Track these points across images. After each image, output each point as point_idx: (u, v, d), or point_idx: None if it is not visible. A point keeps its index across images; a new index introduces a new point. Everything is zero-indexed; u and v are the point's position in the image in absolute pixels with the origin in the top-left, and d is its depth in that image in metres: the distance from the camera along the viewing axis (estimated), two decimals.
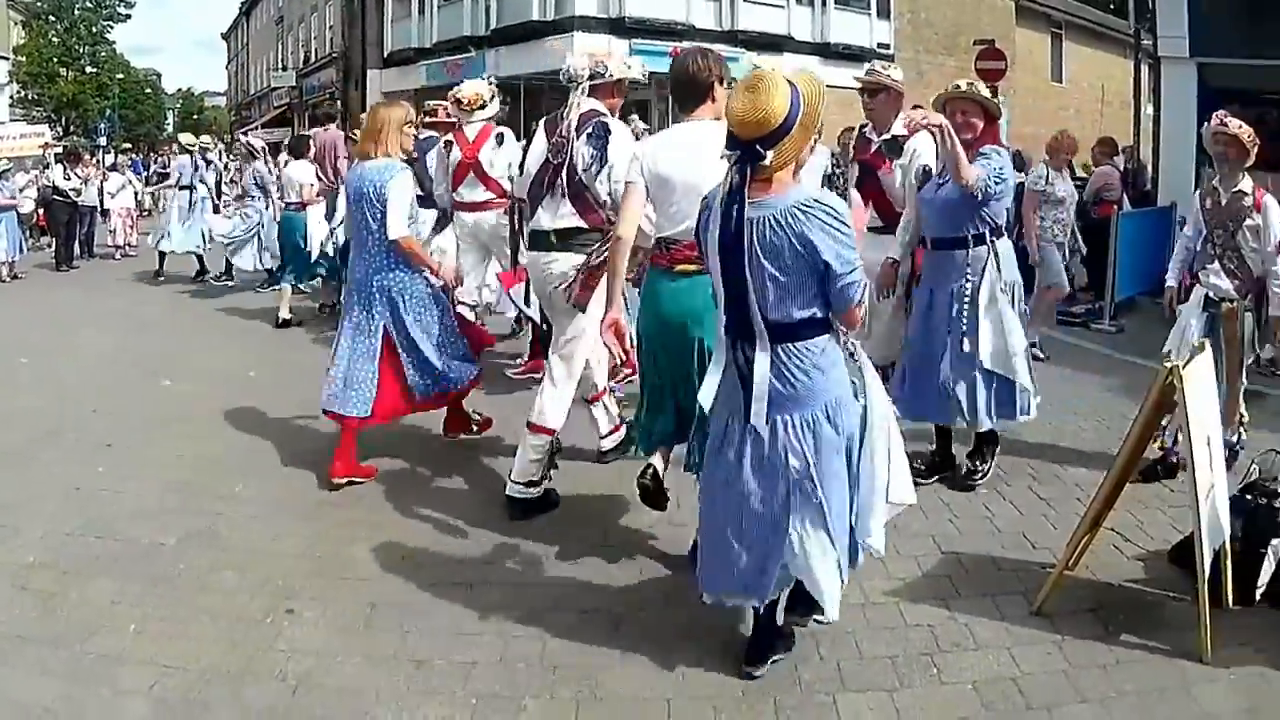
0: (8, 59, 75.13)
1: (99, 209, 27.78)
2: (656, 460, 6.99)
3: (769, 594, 5.66)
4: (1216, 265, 9.20)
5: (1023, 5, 58.27)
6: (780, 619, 5.96)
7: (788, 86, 5.13)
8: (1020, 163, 20.70)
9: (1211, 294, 9.18)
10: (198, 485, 9.03)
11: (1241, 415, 9.07)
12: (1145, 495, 8.51)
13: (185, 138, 27.73)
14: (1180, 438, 7.26)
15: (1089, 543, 6.92)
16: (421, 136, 12.49)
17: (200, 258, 22.81)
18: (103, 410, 11.52)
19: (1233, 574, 6.55)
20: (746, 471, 5.49)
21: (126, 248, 27.54)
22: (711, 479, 5.81)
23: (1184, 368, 6.14)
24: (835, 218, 5.13)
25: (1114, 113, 54.89)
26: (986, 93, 8.94)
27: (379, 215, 8.70)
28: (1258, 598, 6.62)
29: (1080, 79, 62.58)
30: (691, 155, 6.55)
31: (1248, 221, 8.97)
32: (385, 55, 54.45)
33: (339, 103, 58.92)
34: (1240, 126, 8.95)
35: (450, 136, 12.45)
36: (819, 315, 5.34)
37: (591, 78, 8.43)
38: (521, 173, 9.26)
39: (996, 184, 8.26)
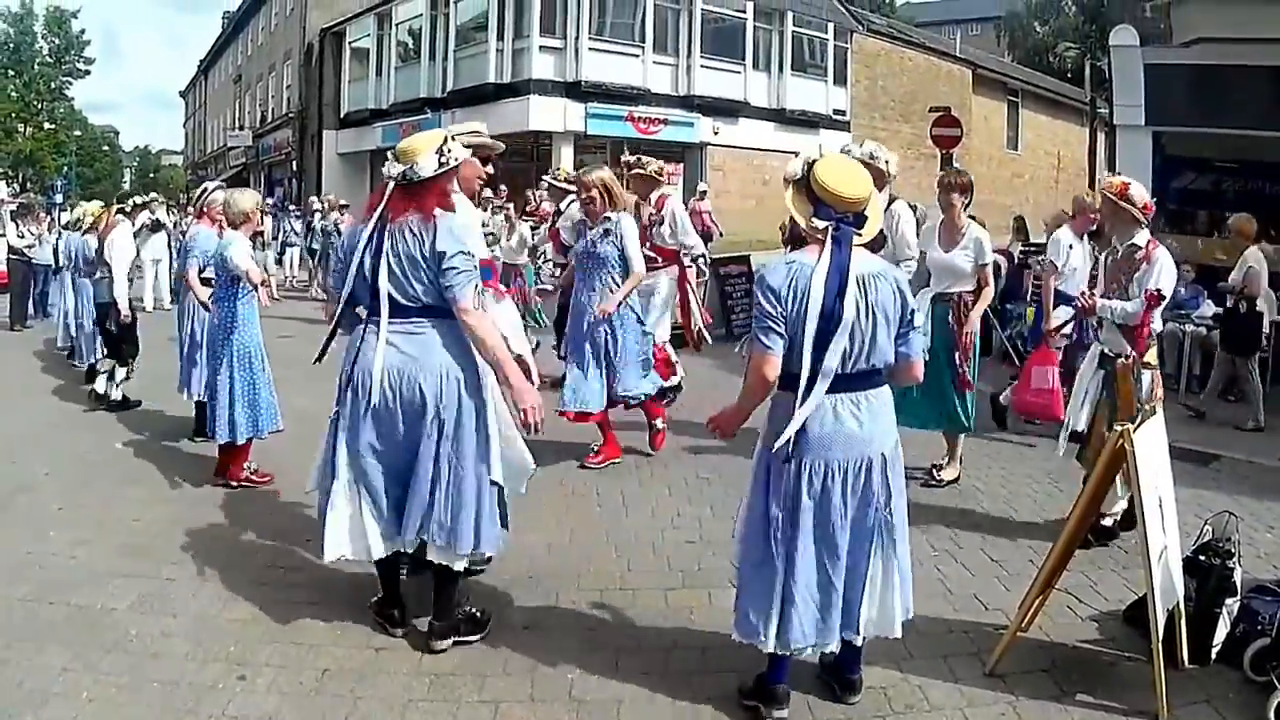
0: None
1: (54, 268, 27.54)
2: None
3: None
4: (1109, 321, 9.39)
5: (980, 73, 58.87)
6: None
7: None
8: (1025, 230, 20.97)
9: (1107, 349, 9.34)
10: (150, 550, 8.96)
11: None
12: (1098, 556, 8.57)
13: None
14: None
15: (1042, 604, 6.93)
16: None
17: None
18: (54, 473, 11.42)
19: (1187, 634, 6.57)
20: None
21: None
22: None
23: (1135, 430, 6.19)
24: (905, 282, 5.97)
25: (1069, 180, 55.33)
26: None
27: None
28: (1212, 657, 6.66)
29: (1036, 146, 63.17)
30: None
31: (1137, 273, 9.09)
32: (341, 116, 54.61)
33: (294, 163, 59.00)
34: (1111, 181, 9.60)
35: None
36: (883, 365, 5.93)
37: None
38: None
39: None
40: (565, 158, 38.31)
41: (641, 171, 13.03)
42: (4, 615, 7.52)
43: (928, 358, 10.25)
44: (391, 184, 6.81)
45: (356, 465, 6.96)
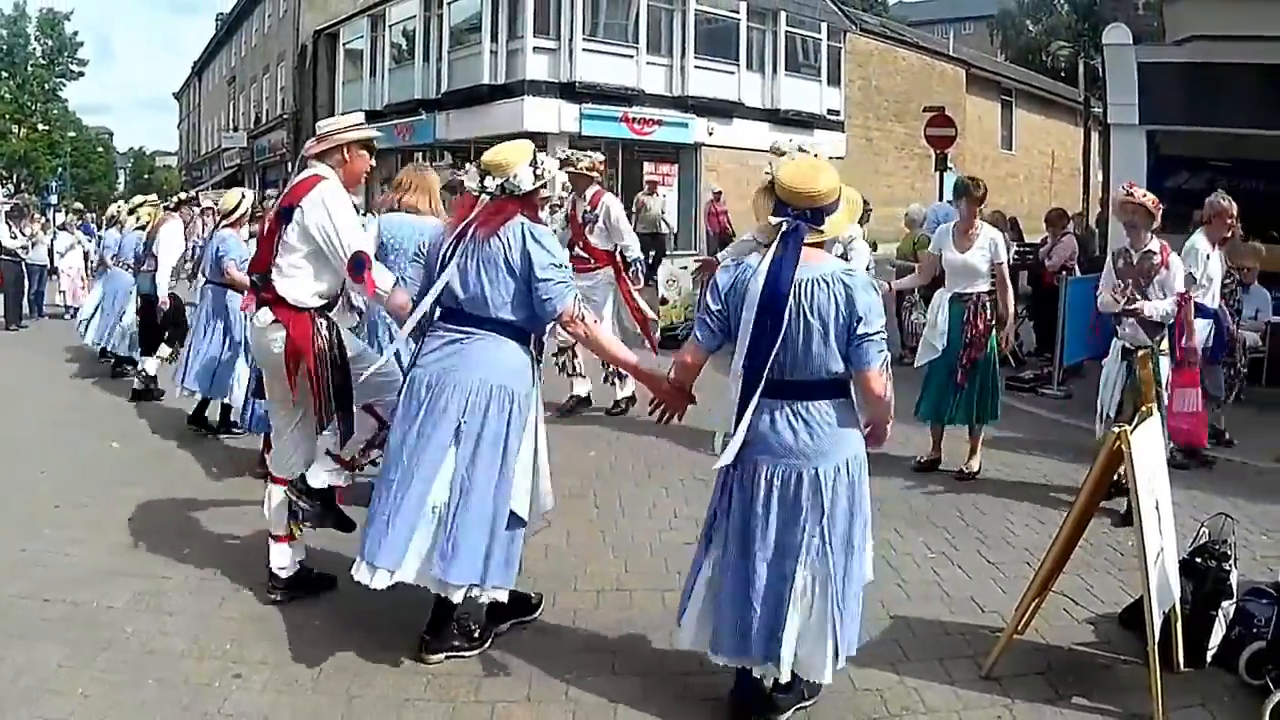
0: None
1: (49, 268, 27.56)
2: None
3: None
4: (1131, 319, 10.18)
5: (973, 73, 58.86)
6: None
7: (835, 174, 5.83)
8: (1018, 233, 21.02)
9: (1128, 344, 10.17)
10: (146, 548, 8.96)
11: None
12: (1095, 558, 8.57)
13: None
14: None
15: (1038, 606, 6.94)
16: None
17: None
18: (51, 471, 11.43)
19: (1183, 636, 6.59)
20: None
21: (77, 308, 26.97)
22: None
23: (1131, 432, 6.17)
24: (871, 285, 5.74)
25: (1063, 179, 55.43)
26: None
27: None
28: (1208, 660, 6.68)
29: (1030, 146, 63.14)
30: None
31: (1158, 277, 9.99)
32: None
33: (289, 164, 58.98)
34: (1145, 195, 10.10)
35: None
36: (844, 376, 5.77)
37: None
38: None
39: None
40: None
41: (572, 168, 12.67)
42: (1, 612, 7.53)
43: (937, 355, 11.05)
44: (486, 197, 6.77)
45: (392, 466, 6.86)
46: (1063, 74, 66.47)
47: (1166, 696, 5.92)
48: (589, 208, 13.15)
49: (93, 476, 11.30)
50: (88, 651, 6.90)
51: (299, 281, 7.37)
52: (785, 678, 5.76)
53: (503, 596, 6.69)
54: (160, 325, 15.60)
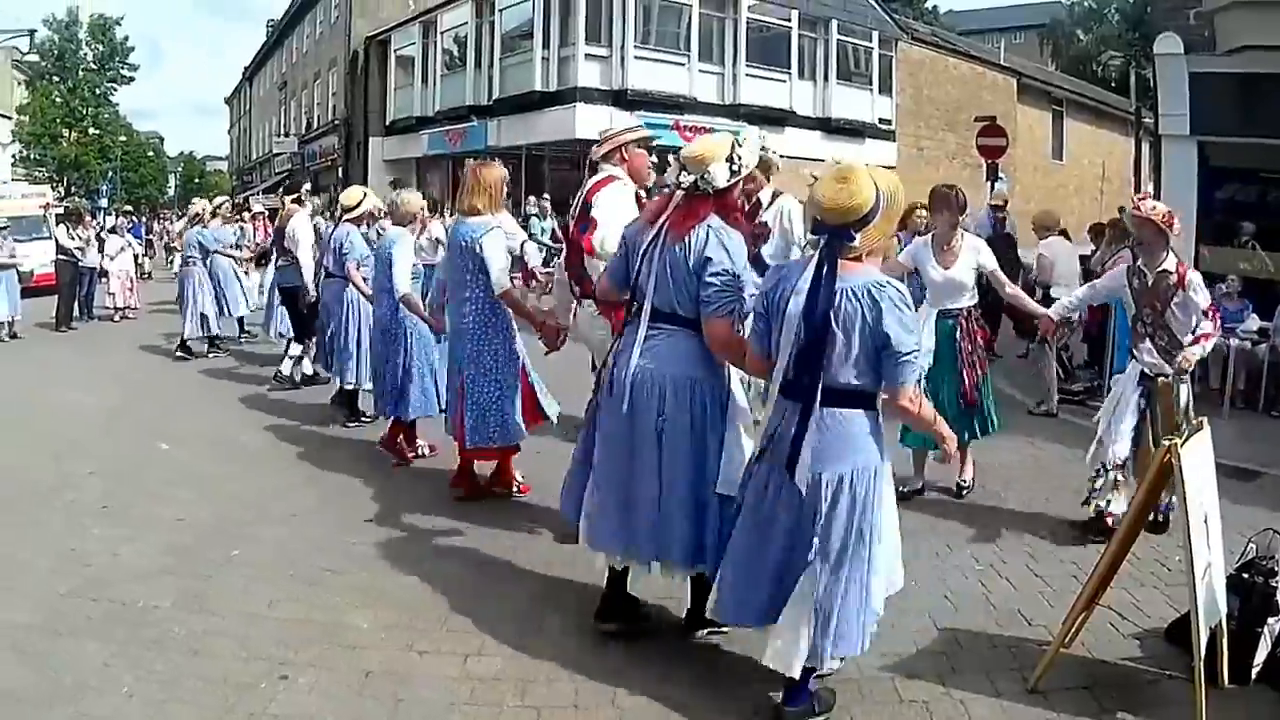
0: (10, 118, 75.42)
1: (99, 271, 27.76)
2: None
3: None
4: (1148, 344, 9.37)
5: (1024, 83, 58.50)
6: (812, 684, 6.12)
7: (871, 180, 5.63)
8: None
9: (1147, 370, 9.38)
10: (194, 549, 9.00)
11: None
12: (1142, 573, 8.48)
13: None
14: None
15: (1085, 620, 6.91)
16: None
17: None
18: (100, 472, 11.49)
19: (1228, 653, 6.52)
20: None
21: (126, 310, 27.49)
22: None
23: (1181, 445, 6.12)
24: (903, 300, 5.63)
25: (1114, 190, 55.10)
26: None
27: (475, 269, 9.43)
28: (1253, 677, 6.62)
29: (1080, 156, 62.72)
30: None
31: (1175, 299, 9.15)
32: (387, 123, 54.52)
33: (340, 170, 59.09)
34: (1154, 208, 9.27)
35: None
36: (868, 389, 5.76)
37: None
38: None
39: None
40: None
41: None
42: (47, 610, 7.61)
43: (923, 374, 10.23)
44: (680, 193, 6.70)
45: (597, 461, 7.03)
46: (1113, 84, 66.17)
47: (1210, 713, 5.88)
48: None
49: (141, 477, 11.39)
50: (134, 650, 6.95)
51: None
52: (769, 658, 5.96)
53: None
54: (309, 314, 15.96)
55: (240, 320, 22.25)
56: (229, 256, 21.79)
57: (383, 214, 14.58)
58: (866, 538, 5.82)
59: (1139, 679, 6.83)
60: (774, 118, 42.80)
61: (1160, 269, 9.19)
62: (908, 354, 5.57)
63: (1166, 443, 6.23)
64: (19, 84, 79.82)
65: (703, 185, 6.55)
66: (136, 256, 28.96)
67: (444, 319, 10.25)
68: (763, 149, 10.15)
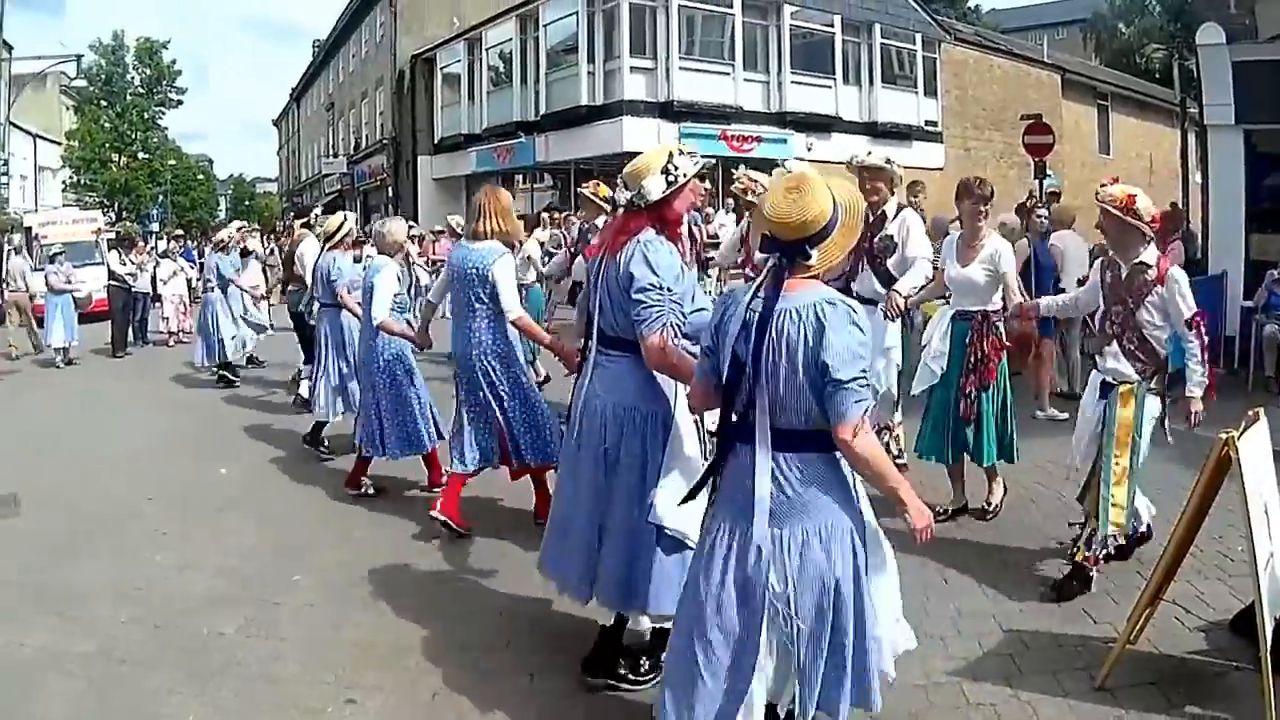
0: (59, 144, 75.90)
1: (152, 295, 28.10)
2: None
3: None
4: (1115, 346, 8.37)
5: (1068, 78, 58.23)
6: None
7: (827, 190, 4.97)
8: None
9: (1109, 378, 8.39)
10: (256, 574, 9.10)
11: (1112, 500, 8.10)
12: (1205, 566, 8.47)
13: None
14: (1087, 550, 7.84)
15: (1150, 616, 6.88)
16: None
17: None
18: (159, 498, 11.61)
19: None
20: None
21: (180, 334, 27.54)
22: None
23: (1239, 438, 6.09)
24: (853, 321, 4.80)
25: (1162, 182, 54.84)
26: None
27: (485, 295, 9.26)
28: None
29: (1127, 149, 62.32)
30: None
31: (1150, 298, 8.11)
32: (435, 141, 54.59)
33: (390, 189, 59.27)
34: (1111, 195, 8.19)
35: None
36: (824, 427, 4.87)
37: None
38: None
39: None
40: None
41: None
42: (112, 638, 7.66)
43: (935, 380, 10.07)
44: (620, 210, 6.59)
45: (560, 499, 6.98)
46: (1157, 76, 65.76)
47: (1278, 701, 5.83)
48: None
49: (200, 502, 11.47)
50: (200, 678, 7.01)
51: None
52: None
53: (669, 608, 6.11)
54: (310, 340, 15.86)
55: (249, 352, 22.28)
56: (243, 289, 21.62)
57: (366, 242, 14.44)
58: (852, 601, 4.97)
59: (1206, 672, 6.81)
60: (820, 124, 42.89)
61: (1137, 261, 8.16)
62: (849, 381, 4.71)
63: (1224, 435, 6.11)
64: (67, 110, 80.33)
65: (637, 200, 6.37)
66: (189, 280, 29.04)
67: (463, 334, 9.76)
68: (886, 160, 10.22)
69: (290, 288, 16.84)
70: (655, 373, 6.41)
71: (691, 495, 5.52)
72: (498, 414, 9.49)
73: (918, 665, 6.57)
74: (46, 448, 14.88)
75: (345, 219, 13.54)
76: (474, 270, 9.23)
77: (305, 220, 19.38)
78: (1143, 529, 8.75)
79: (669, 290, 6.24)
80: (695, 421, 6.66)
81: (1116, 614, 7.52)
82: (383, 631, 7.77)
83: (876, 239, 10.86)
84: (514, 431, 9.53)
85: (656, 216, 6.41)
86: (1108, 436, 8.16)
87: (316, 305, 14.20)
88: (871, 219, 10.71)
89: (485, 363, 9.40)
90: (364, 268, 12.24)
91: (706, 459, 6.20)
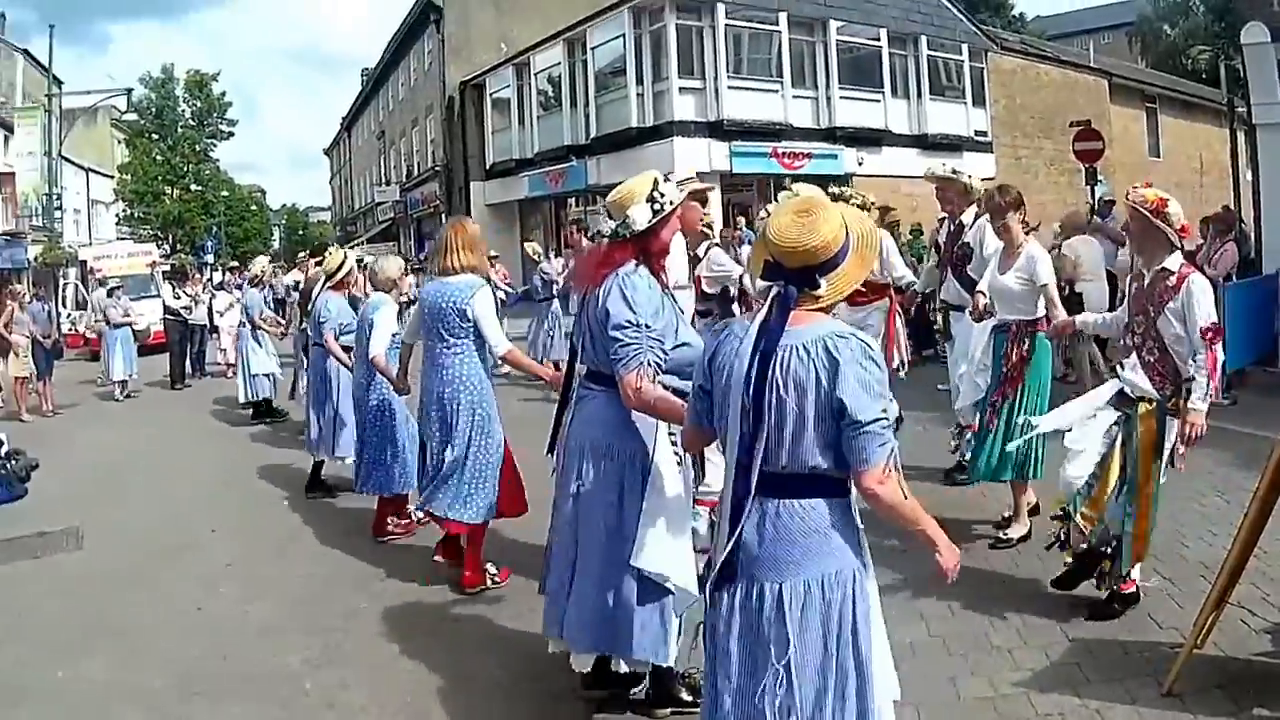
0: (112, 177, 76.55)
1: (209, 327, 28.32)
2: None
3: None
4: (1134, 359, 7.93)
5: (1115, 83, 57.96)
6: None
7: (839, 215, 4.65)
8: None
9: (1129, 390, 7.89)
10: (321, 604, 9.19)
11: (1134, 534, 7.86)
12: (1270, 567, 8.31)
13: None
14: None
15: (1216, 619, 6.79)
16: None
17: None
18: (222, 530, 11.75)
19: None
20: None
21: (238, 365, 27.54)
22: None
23: None
24: (869, 356, 4.46)
25: (1213, 183, 54.63)
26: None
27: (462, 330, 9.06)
28: None
29: (1177, 152, 62.04)
30: None
31: (1170, 304, 7.63)
32: (487, 167, 54.54)
33: (443, 216, 59.41)
34: (1143, 197, 7.84)
35: None
36: (833, 472, 4.56)
37: None
38: None
39: None
40: (712, 198, 37.00)
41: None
42: (179, 673, 7.75)
43: (980, 395, 9.96)
44: (604, 241, 6.39)
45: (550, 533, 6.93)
46: (1204, 76, 65.53)
47: None
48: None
49: (262, 533, 11.62)
50: (268, 708, 7.12)
51: None
52: None
53: (656, 658, 6.36)
54: None
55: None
56: (263, 327, 21.12)
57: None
58: (854, 661, 4.58)
59: (1273, 673, 6.81)
60: (870, 138, 42.85)
61: (1160, 268, 7.74)
62: (870, 423, 4.37)
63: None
64: (119, 143, 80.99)
65: (622, 231, 6.23)
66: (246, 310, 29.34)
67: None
68: (954, 171, 10.39)
69: (303, 325, 16.77)
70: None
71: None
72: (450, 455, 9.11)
73: (984, 678, 6.68)
74: (107, 480, 15.08)
75: (346, 257, 13.25)
76: (450, 305, 9.00)
77: (320, 258, 19.32)
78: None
79: (647, 327, 6.07)
80: (678, 457, 6.45)
81: (1181, 619, 7.48)
82: (450, 658, 7.84)
83: (956, 246, 11.05)
84: (448, 475, 9.11)
85: (641, 247, 6.31)
86: (1132, 466, 7.80)
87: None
88: (952, 228, 11.08)
89: (457, 399, 9.11)
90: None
91: (696, 487, 6.38)
